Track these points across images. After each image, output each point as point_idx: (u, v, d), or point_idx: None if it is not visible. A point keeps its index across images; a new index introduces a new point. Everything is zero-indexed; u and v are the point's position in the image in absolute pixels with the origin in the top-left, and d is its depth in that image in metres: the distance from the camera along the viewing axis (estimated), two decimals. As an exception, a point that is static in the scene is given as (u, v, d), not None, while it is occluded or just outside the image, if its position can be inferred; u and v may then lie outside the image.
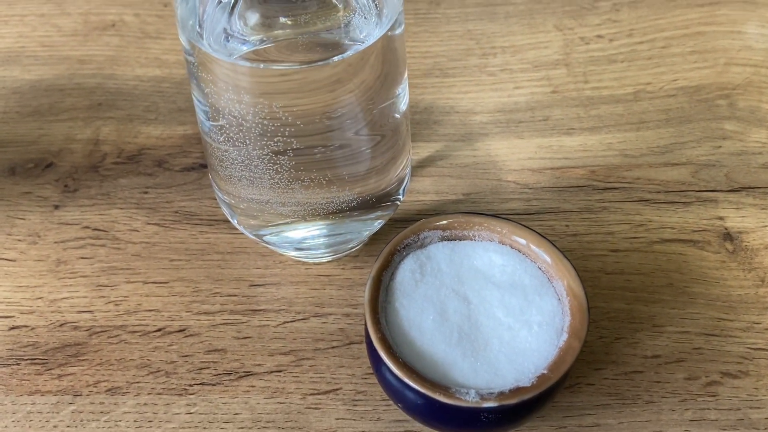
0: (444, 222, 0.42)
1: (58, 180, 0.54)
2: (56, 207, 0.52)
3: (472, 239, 0.42)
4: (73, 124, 0.58)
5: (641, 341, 0.45)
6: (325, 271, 0.49)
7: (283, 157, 0.39)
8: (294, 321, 0.47)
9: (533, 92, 0.59)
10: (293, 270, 0.49)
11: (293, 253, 0.49)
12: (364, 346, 0.44)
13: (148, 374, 0.45)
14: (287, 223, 0.44)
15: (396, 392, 0.38)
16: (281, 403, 0.43)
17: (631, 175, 0.53)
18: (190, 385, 0.44)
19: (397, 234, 0.41)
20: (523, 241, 0.41)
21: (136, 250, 0.50)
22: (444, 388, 0.36)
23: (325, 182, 0.41)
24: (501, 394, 0.35)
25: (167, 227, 0.51)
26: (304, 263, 0.49)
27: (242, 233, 0.50)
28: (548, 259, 0.40)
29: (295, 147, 0.39)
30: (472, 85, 0.60)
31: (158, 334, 0.46)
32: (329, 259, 0.49)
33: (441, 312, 0.39)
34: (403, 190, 0.47)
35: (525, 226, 0.41)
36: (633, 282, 0.48)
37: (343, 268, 0.49)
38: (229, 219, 0.46)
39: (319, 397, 0.43)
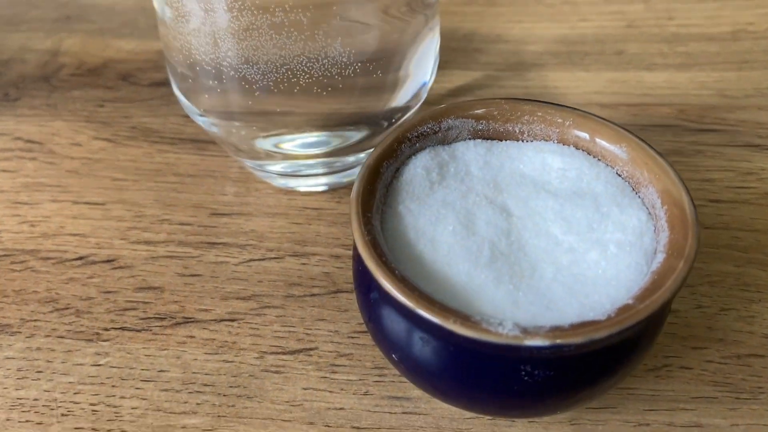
0: (479, 111, 0.29)
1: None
2: (-13, 116, 0.41)
3: (518, 137, 0.29)
4: (32, 35, 0.47)
5: (759, 315, 0.31)
6: (314, 203, 0.36)
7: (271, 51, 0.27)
8: (263, 259, 0.34)
9: (603, 25, 0.47)
10: (271, 200, 0.36)
11: (280, 182, 0.36)
12: (354, 296, 0.31)
13: (51, 311, 0.32)
14: (280, 134, 0.32)
15: (386, 328, 0.25)
16: (228, 361, 0.30)
17: (733, 118, 0.40)
18: (106, 329, 0.31)
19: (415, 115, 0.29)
20: (594, 137, 0.28)
21: (73, 167, 0.38)
22: (461, 315, 0.22)
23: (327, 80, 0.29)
24: (556, 330, 0.21)
25: (118, 143, 0.39)
26: (286, 192, 0.37)
27: (212, 155, 0.38)
28: (634, 160, 0.27)
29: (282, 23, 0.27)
30: (525, 15, 0.48)
31: (78, 263, 0.34)
32: (324, 188, 0.36)
33: (466, 223, 0.26)
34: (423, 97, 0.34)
35: (598, 117, 0.28)
36: (743, 240, 0.34)
37: (338, 202, 0.36)
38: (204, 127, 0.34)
39: (283, 357, 0.30)
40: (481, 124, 0.29)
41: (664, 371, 0.29)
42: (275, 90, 0.31)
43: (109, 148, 0.39)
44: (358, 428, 0.28)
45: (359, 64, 0.31)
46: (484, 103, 0.29)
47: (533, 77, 0.43)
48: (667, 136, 0.39)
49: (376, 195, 0.26)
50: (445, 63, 0.44)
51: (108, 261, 0.34)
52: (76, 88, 0.43)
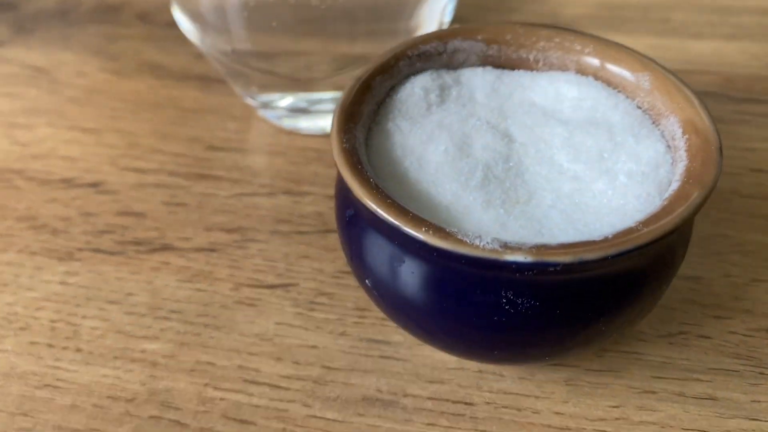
0: (490, 34, 0.26)
1: (16, 21, 0.42)
2: (0, 44, 0.41)
3: (532, 66, 0.26)
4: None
5: (798, 290, 0.27)
6: (316, 144, 0.34)
7: None
8: (254, 195, 0.31)
9: (649, -7, 0.43)
10: (272, 139, 0.34)
11: (286, 122, 0.34)
12: (346, 235, 0.28)
13: (27, 228, 0.30)
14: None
15: (360, 246, 0.22)
16: (200, 290, 0.28)
17: (785, 90, 0.36)
18: (80, 249, 0.29)
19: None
20: (615, 65, 0.25)
21: (75, 95, 0.37)
22: (435, 225, 0.19)
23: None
24: (541, 247, 0.19)
25: (123, 76, 0.38)
26: (288, 133, 0.34)
27: (218, 93, 0.36)
28: (657, 89, 0.24)
29: None
30: (566, -20, 0.45)
31: (62, 185, 0.32)
32: (329, 131, 0.34)
33: (461, 145, 0.23)
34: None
35: (622, 45, 0.25)
36: (785, 212, 0.30)
37: (342, 144, 0.34)
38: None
39: (260, 291, 0.28)
40: (492, 48, 0.26)
41: (680, 338, 0.26)
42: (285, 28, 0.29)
43: (114, 81, 0.38)
44: (328, 368, 0.25)
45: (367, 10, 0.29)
46: (497, 27, 0.26)
47: (567, 38, 0.40)
48: (708, 103, 0.35)
49: (364, 109, 0.24)
50: (473, 19, 0.41)
51: (93, 185, 0.32)
52: (91, 23, 0.42)
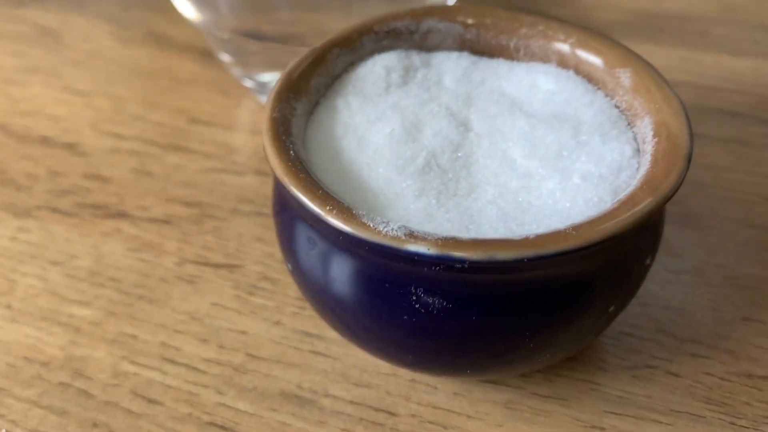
0: (470, 18, 0.24)
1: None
2: (20, 4, 0.41)
3: (512, 55, 0.24)
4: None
5: (794, 335, 0.24)
6: (300, 127, 0.32)
7: None
8: (223, 171, 0.30)
9: (693, 3, 0.40)
10: (258, 118, 0.33)
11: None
12: (306, 221, 0.27)
13: (-7, 181, 0.30)
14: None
15: (281, 227, 0.21)
16: (144, 261, 0.27)
17: (826, 117, 0.32)
18: (38, 207, 0.29)
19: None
20: (598, 58, 0.22)
21: (76, 58, 0.37)
22: (343, 205, 0.17)
23: None
24: (449, 239, 0.16)
25: (128, 43, 0.38)
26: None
27: (216, 67, 0.35)
28: (636, 87, 0.21)
29: None
30: (604, -16, 0.42)
31: (38, 142, 0.32)
32: None
33: (410, 129, 0.21)
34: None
35: (610, 38, 0.23)
36: (798, 248, 0.26)
37: (327, 130, 0.32)
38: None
39: (203, 268, 0.26)
40: (470, 32, 0.24)
41: (646, 372, 0.23)
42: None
43: (117, 47, 0.37)
44: (252, 356, 0.23)
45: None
46: (477, 8, 0.24)
47: (591, 44, 0.37)
48: (734, 123, 0.32)
49: (313, 82, 0.22)
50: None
51: (68, 145, 0.31)
52: (111, -8, 0.42)
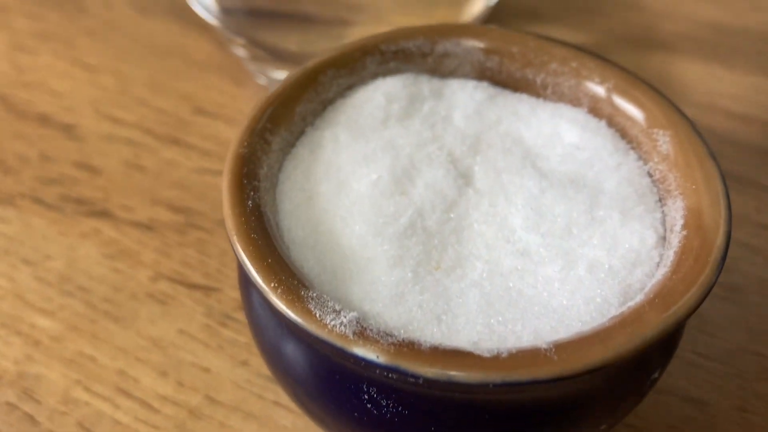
0: (493, 41, 0.21)
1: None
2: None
3: (538, 91, 0.21)
4: None
5: (834, 454, 0.20)
6: (311, 130, 0.30)
7: None
8: (218, 174, 0.28)
9: (778, 21, 0.35)
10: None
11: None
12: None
13: (-18, 161, 0.28)
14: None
15: (241, 289, 0.18)
16: (118, 271, 0.25)
17: None
18: (22, 196, 0.27)
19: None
20: (636, 111, 0.19)
21: (92, 26, 0.35)
22: (292, 283, 0.15)
23: None
24: (403, 346, 0.14)
25: (147, 14, 0.35)
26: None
27: (232, 51, 0.32)
28: (675, 157, 0.18)
29: None
30: (678, -13, 0.37)
31: (37, 121, 0.30)
32: None
33: (400, 177, 0.18)
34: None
35: (653, 87, 0.19)
36: None
37: (339, 136, 0.29)
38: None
39: (177, 287, 0.24)
40: (492, 60, 0.21)
41: (647, 478, 0.20)
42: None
43: (136, 18, 0.35)
44: (212, 399, 0.21)
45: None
46: (503, 34, 0.21)
47: (654, 60, 0.33)
48: (802, 174, 0.28)
49: (297, 109, 0.19)
50: (551, 15, 0.35)
51: (65, 127, 0.30)
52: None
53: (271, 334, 0.17)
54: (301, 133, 0.20)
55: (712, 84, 0.32)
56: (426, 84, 0.21)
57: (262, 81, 0.30)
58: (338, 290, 0.16)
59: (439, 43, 0.21)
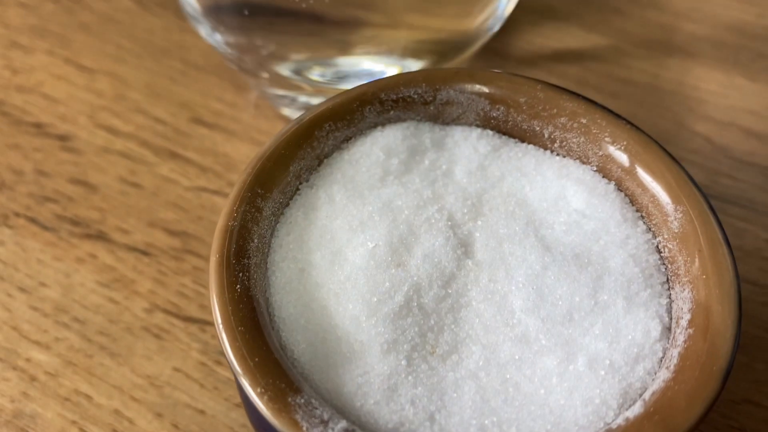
0: (499, 89, 0.20)
1: None
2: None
3: (545, 144, 0.20)
4: None
5: None
6: (312, 144, 0.29)
7: None
8: (217, 192, 0.27)
9: (808, 23, 0.33)
10: (266, 124, 0.29)
11: (288, 111, 0.29)
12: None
13: (-24, 175, 0.28)
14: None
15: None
16: (114, 302, 0.24)
17: None
18: (17, 215, 0.27)
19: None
20: (648, 180, 0.18)
21: (87, 20, 0.33)
22: (278, 386, 0.14)
23: None
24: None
25: (145, 6, 0.34)
26: (287, 120, 0.29)
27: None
28: (685, 236, 0.17)
29: None
30: (702, -18, 0.35)
31: (33, 130, 0.29)
32: None
33: (398, 247, 0.18)
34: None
35: (670, 155, 0.18)
36: None
37: (341, 151, 0.28)
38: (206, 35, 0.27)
39: (173, 321, 0.24)
40: (498, 110, 0.20)
41: None
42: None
43: (134, 11, 0.34)
44: (206, 445, 0.21)
45: None
46: (510, 81, 0.20)
47: (672, 66, 0.31)
48: (822, 203, 0.27)
49: (291, 167, 0.19)
50: (566, 11, 0.33)
51: (60, 138, 0.29)
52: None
53: (261, 421, 0.16)
54: (295, 191, 0.19)
55: (733, 97, 0.30)
56: (427, 133, 0.20)
57: (273, 101, 0.29)
58: (329, 380, 0.16)
59: (441, 91, 0.20)
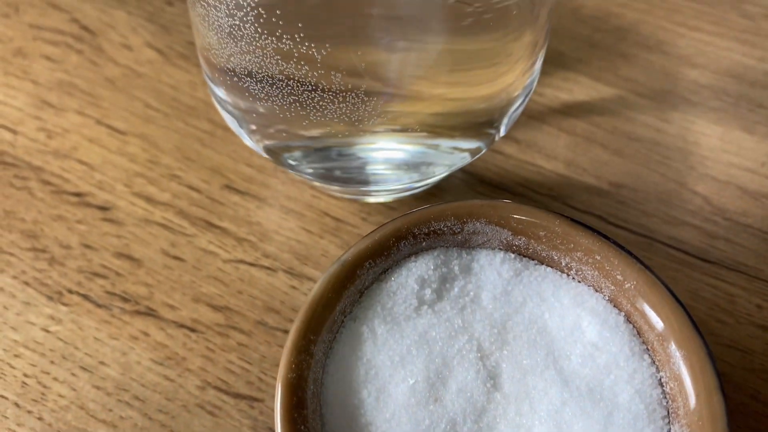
0: (520, 224, 0.22)
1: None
2: (58, -19, 0.38)
3: (563, 270, 0.22)
4: None
5: None
6: (337, 211, 0.31)
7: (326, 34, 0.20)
8: (254, 265, 0.29)
9: (806, 67, 0.35)
10: (294, 190, 0.31)
11: (318, 182, 0.31)
12: (330, 351, 0.26)
13: (29, 249, 0.30)
14: (325, 137, 0.26)
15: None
16: (169, 379, 0.27)
17: None
18: (70, 291, 0.29)
19: (434, 204, 0.22)
20: (654, 318, 0.20)
21: (114, 75, 0.34)
22: None
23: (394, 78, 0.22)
24: None
25: (167, 58, 0.35)
26: (313, 188, 0.31)
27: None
28: (680, 381, 0.19)
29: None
30: (708, 22, 0.36)
31: (74, 199, 0.31)
32: (380, 199, 0.31)
33: (434, 381, 0.20)
34: (508, 121, 0.26)
35: (675, 298, 0.20)
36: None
37: (364, 219, 0.31)
38: (234, 130, 0.28)
39: (224, 398, 0.27)
40: (520, 240, 0.22)
41: None
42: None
43: (157, 63, 0.35)
44: None
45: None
46: (530, 214, 0.22)
47: (675, 119, 0.33)
48: (808, 265, 0.29)
49: (338, 306, 0.21)
50: (575, 58, 0.35)
51: (102, 208, 0.31)
52: (155, -29, 0.38)
53: None
54: (341, 324, 0.21)
55: (731, 152, 0.32)
56: (455, 260, 0.22)
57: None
58: None
59: (468, 223, 0.22)
